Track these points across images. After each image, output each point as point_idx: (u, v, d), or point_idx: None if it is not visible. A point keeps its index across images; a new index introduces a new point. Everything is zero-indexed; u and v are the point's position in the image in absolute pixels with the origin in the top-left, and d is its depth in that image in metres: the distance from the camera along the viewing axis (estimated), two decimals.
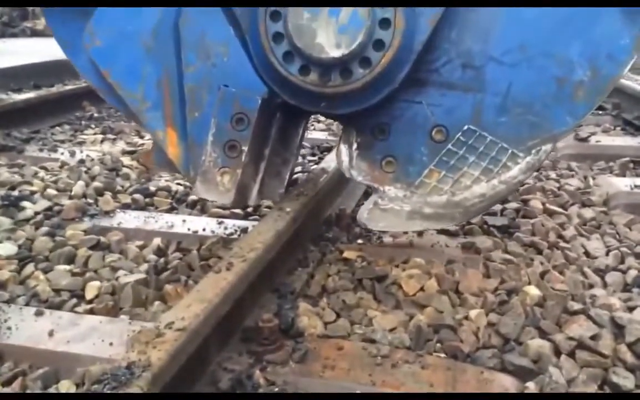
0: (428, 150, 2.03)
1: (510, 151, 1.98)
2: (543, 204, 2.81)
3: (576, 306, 1.89)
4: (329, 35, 1.84)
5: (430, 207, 2.05)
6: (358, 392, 1.51)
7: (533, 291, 1.96)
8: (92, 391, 1.21)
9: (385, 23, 1.87)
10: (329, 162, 3.06)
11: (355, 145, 2.10)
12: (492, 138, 1.98)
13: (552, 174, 3.33)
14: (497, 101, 1.96)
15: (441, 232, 2.45)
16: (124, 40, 2.14)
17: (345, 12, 1.84)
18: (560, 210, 2.77)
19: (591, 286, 2.09)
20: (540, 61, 1.92)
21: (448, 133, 2.01)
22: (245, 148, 2.06)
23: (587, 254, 2.35)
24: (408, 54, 1.90)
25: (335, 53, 1.85)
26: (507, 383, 1.60)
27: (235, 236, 2.46)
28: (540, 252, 2.34)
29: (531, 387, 1.58)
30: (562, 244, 2.40)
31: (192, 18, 2.08)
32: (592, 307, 1.89)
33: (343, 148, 2.11)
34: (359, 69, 1.89)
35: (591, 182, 3.18)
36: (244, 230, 2.49)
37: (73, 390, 1.55)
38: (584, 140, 3.86)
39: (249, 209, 2.84)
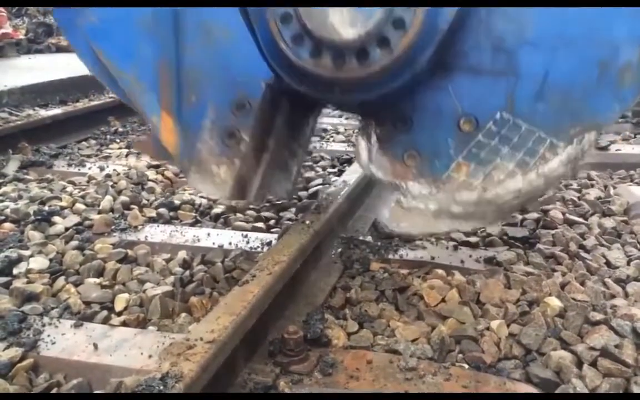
0: (456, 142, 1.84)
1: (548, 141, 1.78)
2: (563, 214, 2.82)
3: (597, 316, 1.90)
4: (342, 14, 1.65)
5: (459, 205, 1.86)
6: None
7: (554, 302, 1.98)
8: None
9: None
10: (350, 174, 3.12)
11: (374, 138, 1.92)
12: (528, 127, 1.78)
13: (573, 184, 3.34)
14: (533, 87, 1.76)
15: (462, 244, 2.48)
16: (119, 17, 2.00)
17: None
18: (580, 220, 2.78)
19: (612, 296, 2.10)
20: (581, 43, 1.73)
21: (478, 122, 1.81)
22: (245, 137, 1.91)
23: (608, 264, 2.36)
24: (432, 34, 1.69)
25: (350, 34, 1.65)
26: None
27: (259, 249, 2.52)
28: (560, 263, 2.35)
29: None
30: (582, 254, 2.41)
31: None
32: (613, 317, 1.91)
33: (361, 142, 1.93)
34: (377, 51, 1.68)
35: (611, 191, 3.18)
36: (268, 244, 2.54)
37: None
38: (604, 149, 3.85)
39: (271, 222, 2.90)
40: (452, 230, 2.05)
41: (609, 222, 2.75)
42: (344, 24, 1.64)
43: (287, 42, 1.71)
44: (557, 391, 1.62)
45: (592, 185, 3.31)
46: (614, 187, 3.26)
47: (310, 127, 2.25)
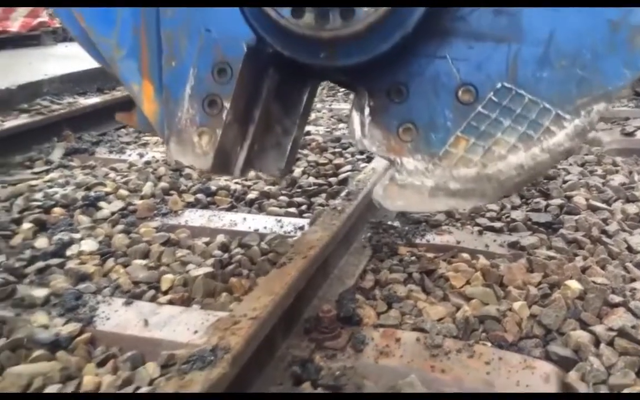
0: (454, 114, 1.72)
1: (554, 113, 1.66)
2: (587, 199, 2.90)
3: (616, 299, 2.00)
4: None
5: (457, 182, 1.75)
6: (412, 375, 1.67)
7: (575, 285, 2.08)
8: (182, 369, 1.42)
9: None
10: (379, 161, 3.23)
11: (367, 111, 1.79)
12: (531, 97, 1.67)
13: (598, 169, 3.40)
14: (537, 52, 1.64)
15: (487, 229, 2.58)
16: None
17: None
18: (604, 205, 2.85)
19: (632, 280, 2.19)
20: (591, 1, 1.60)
21: (477, 93, 1.69)
22: (227, 104, 1.81)
23: (629, 249, 2.44)
24: None
25: None
26: (548, 370, 1.72)
27: (292, 233, 2.66)
28: (582, 248, 2.44)
29: (573, 375, 1.70)
30: (604, 239, 2.49)
31: None
32: (632, 299, 2.00)
33: (354, 115, 1.81)
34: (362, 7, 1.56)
35: (636, 177, 3.24)
36: (300, 228, 2.68)
37: (158, 371, 1.77)
38: (630, 134, 3.89)
39: (303, 207, 3.03)
40: (450, 208, 1.97)
41: (632, 208, 2.81)
42: None
43: None
44: (575, 368, 1.72)
45: (617, 171, 3.37)
46: (639, 174, 3.31)
47: (304, 103, 2.10)
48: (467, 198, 1.78)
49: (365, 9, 1.55)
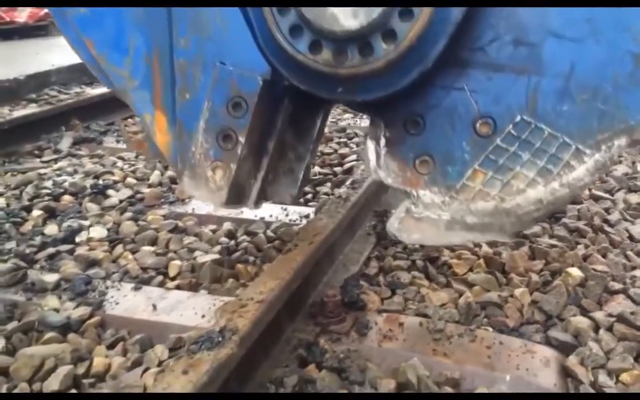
0: (471, 147, 1.69)
1: (574, 147, 1.62)
2: (589, 189, 2.92)
3: (617, 286, 2.03)
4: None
5: (475, 216, 1.72)
6: (414, 358, 1.71)
7: (575, 272, 2.11)
8: (191, 350, 1.46)
9: None
10: None
11: (383, 141, 1.76)
12: (551, 131, 1.63)
13: None
14: (558, 85, 1.60)
15: None
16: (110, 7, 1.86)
17: None
18: (606, 195, 2.88)
19: (633, 268, 2.22)
20: (612, 34, 1.55)
21: (496, 125, 1.66)
22: (242, 139, 1.77)
23: (630, 238, 2.47)
24: (444, 24, 1.55)
25: (352, 24, 1.51)
26: (548, 354, 1.76)
27: (297, 221, 2.70)
28: (584, 236, 2.47)
29: (572, 360, 1.73)
30: (606, 228, 2.52)
31: None
32: (632, 287, 2.03)
33: (370, 144, 1.78)
34: (382, 44, 1.54)
35: (639, 167, 3.26)
36: (305, 216, 2.72)
37: (166, 353, 1.81)
38: None
39: (308, 196, 3.07)
40: (467, 242, 1.83)
41: (634, 198, 2.84)
42: (346, 14, 1.51)
43: (283, 33, 1.60)
44: (574, 353, 1.76)
45: (620, 161, 3.39)
46: None
47: (317, 127, 2.09)
48: (484, 232, 1.75)
49: (385, 46, 1.54)
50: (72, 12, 1.88)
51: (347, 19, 1.51)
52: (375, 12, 1.50)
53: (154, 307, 2.01)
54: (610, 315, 1.90)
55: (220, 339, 1.47)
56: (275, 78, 1.74)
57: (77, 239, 2.57)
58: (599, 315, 1.91)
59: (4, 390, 1.66)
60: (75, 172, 3.40)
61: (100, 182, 3.15)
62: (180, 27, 1.78)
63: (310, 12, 1.53)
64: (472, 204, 1.71)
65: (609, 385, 1.61)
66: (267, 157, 1.93)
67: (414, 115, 1.72)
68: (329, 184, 3.19)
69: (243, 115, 1.75)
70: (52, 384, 1.66)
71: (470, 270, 2.22)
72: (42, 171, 3.42)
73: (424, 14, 1.51)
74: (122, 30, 1.86)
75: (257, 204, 1.98)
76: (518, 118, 1.64)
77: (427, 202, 1.74)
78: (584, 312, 1.95)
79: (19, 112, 4.54)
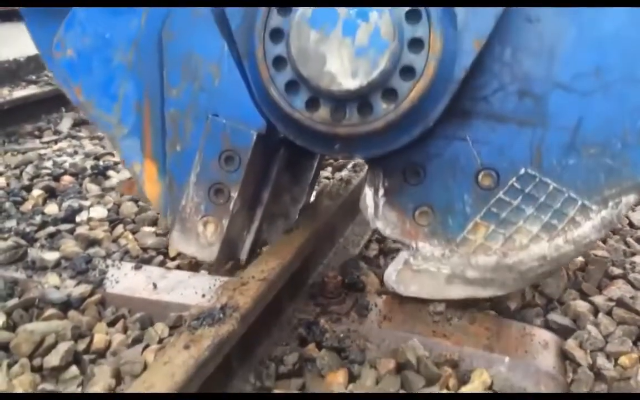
0: (473, 199, 1.64)
1: (580, 202, 1.58)
2: None
3: (616, 271, 2.05)
4: (342, 61, 1.45)
5: (475, 270, 1.68)
6: (414, 339, 1.71)
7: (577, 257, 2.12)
8: (192, 325, 1.46)
9: (416, 44, 1.47)
10: None
11: (382, 191, 1.72)
12: (556, 185, 1.58)
13: None
14: (564, 139, 1.55)
15: None
16: (98, 50, 1.79)
17: (364, 31, 1.43)
18: None
19: (632, 254, 2.23)
20: (622, 88, 1.50)
21: (499, 178, 1.62)
22: (234, 194, 1.71)
23: (630, 224, 2.48)
24: (446, 83, 1.51)
25: (351, 84, 1.46)
26: (547, 337, 1.76)
27: None
28: None
29: (571, 343, 1.74)
30: None
31: (179, 28, 1.70)
32: (631, 272, 2.04)
33: (368, 192, 1.73)
34: (382, 104, 1.50)
35: None
36: None
37: (167, 331, 1.81)
38: None
39: None
40: (467, 296, 1.79)
41: None
42: (344, 73, 1.46)
43: (279, 89, 1.56)
44: (573, 336, 1.76)
45: None
46: None
47: (314, 170, 2.05)
48: (485, 287, 1.72)
49: (384, 105, 1.49)
50: (59, 56, 1.82)
51: (346, 78, 1.46)
52: (376, 70, 1.45)
53: (155, 286, 2.01)
54: (609, 299, 1.91)
55: (221, 315, 1.48)
56: (271, 131, 1.69)
57: (78, 219, 2.58)
58: (598, 299, 1.92)
59: (4, 366, 1.66)
60: (76, 153, 3.40)
61: (101, 163, 3.14)
62: (171, 75, 1.72)
63: (306, 70, 1.48)
64: (473, 258, 1.68)
65: (608, 368, 1.62)
66: (261, 208, 1.88)
67: (414, 165, 1.68)
68: (329, 168, 3.19)
69: (235, 170, 1.69)
70: (53, 360, 1.67)
71: None
72: (42, 152, 3.42)
73: (426, 73, 1.47)
74: (112, 76, 1.80)
75: (250, 256, 1.91)
76: (522, 171, 1.60)
77: (426, 254, 1.71)
78: (584, 296, 1.96)
79: (19, 93, 4.52)
